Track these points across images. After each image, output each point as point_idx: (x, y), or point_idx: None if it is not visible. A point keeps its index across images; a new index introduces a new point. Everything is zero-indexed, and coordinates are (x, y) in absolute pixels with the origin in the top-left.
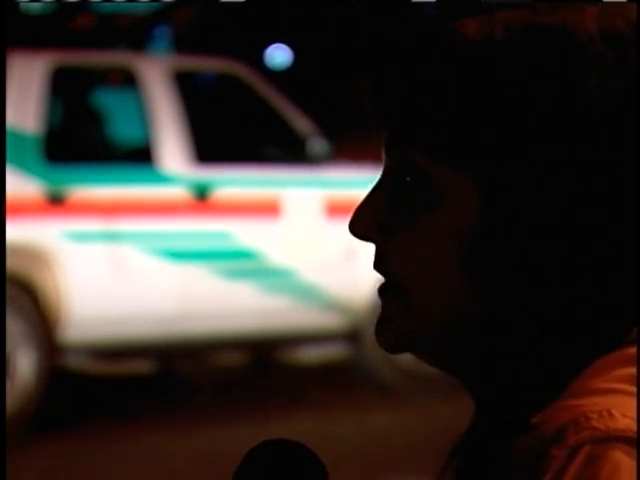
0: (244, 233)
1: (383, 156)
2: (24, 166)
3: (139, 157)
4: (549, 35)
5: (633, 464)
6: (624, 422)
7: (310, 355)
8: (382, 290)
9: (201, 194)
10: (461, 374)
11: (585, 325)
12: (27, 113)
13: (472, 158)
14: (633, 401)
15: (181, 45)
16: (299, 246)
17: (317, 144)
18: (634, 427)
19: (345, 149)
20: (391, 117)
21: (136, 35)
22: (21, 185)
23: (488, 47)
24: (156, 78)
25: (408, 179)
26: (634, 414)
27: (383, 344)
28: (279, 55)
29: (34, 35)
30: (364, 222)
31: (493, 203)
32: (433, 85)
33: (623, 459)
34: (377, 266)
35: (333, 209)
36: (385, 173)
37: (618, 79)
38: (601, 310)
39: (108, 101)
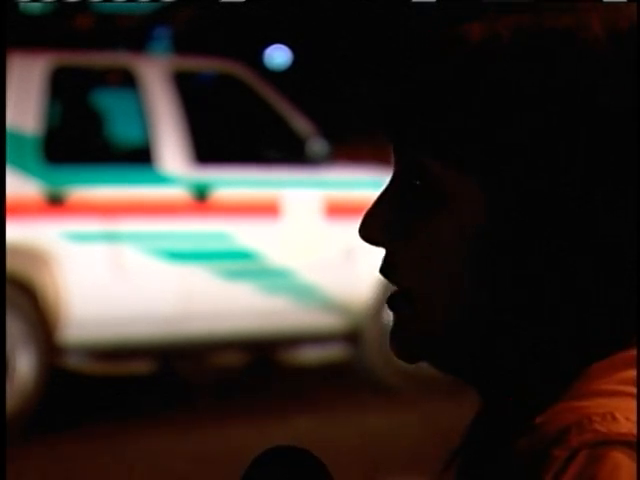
0: (244, 234)
1: (392, 158)
2: (24, 166)
3: (139, 157)
4: (556, 39)
5: (633, 466)
6: (627, 426)
7: (310, 355)
8: (390, 299)
9: (201, 194)
10: (470, 378)
11: (590, 326)
12: (27, 113)
13: (479, 160)
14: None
15: (181, 45)
16: (299, 246)
17: (317, 144)
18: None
19: (345, 150)
20: (398, 120)
21: (136, 35)
22: (21, 185)
23: (496, 50)
24: (156, 78)
25: (417, 182)
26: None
27: (396, 353)
28: (279, 55)
29: (34, 35)
30: (373, 226)
31: (498, 204)
32: (438, 87)
33: (623, 461)
34: (383, 270)
35: (333, 210)
36: (394, 176)
37: (624, 79)
38: (607, 311)
39: (108, 101)
